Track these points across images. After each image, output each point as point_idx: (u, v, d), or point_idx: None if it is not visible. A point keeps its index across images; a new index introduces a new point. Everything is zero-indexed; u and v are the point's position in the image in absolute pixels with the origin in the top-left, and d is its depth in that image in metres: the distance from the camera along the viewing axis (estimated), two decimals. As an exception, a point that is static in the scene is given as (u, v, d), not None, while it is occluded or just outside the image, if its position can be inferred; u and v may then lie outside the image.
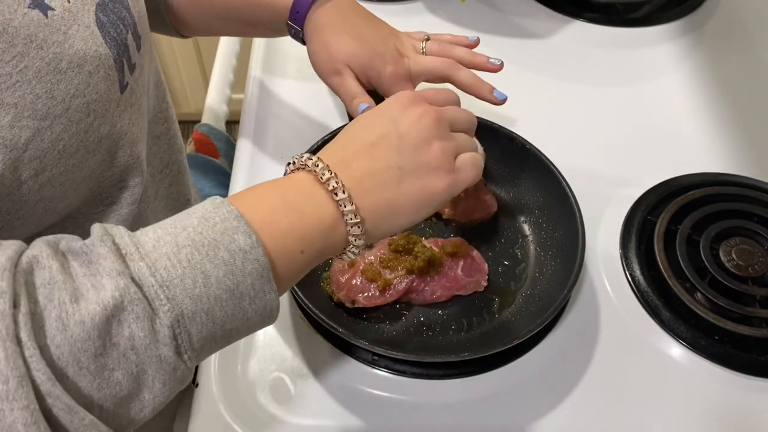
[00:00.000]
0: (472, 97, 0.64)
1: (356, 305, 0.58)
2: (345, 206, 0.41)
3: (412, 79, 0.62)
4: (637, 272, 0.63)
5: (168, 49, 1.75)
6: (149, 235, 0.35)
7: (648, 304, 0.61)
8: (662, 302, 0.61)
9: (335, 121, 0.74)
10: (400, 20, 0.72)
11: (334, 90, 0.62)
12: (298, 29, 0.61)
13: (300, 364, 0.56)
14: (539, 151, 0.64)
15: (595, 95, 0.80)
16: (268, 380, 0.55)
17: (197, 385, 0.55)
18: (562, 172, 0.62)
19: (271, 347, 0.57)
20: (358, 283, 0.58)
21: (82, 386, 0.31)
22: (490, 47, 0.72)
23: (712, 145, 0.75)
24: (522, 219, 0.65)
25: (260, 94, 0.78)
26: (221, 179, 0.88)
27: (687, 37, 0.88)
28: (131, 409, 0.34)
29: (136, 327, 0.32)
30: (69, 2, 0.42)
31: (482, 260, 0.61)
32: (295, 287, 0.53)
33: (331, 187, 0.41)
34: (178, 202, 0.67)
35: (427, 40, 0.65)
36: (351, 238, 0.42)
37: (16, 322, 0.29)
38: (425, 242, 0.61)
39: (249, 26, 0.66)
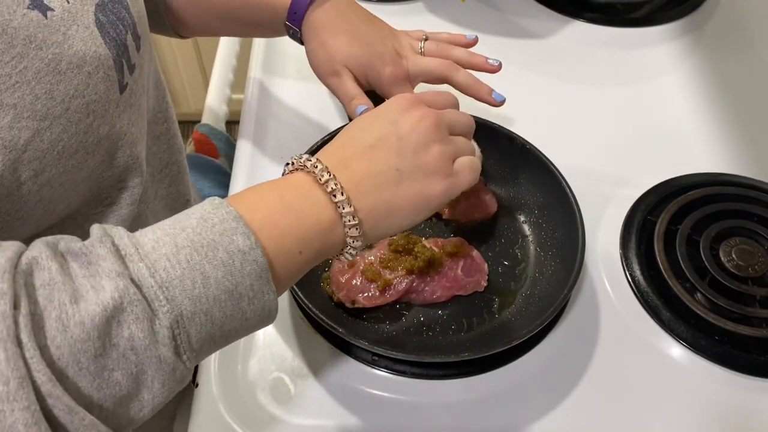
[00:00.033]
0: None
1: (356, 305, 0.58)
2: (343, 208, 0.41)
3: (411, 79, 0.62)
4: (637, 272, 0.63)
5: (168, 49, 1.75)
6: (148, 236, 0.35)
7: (648, 304, 0.61)
8: (662, 302, 0.61)
9: (335, 121, 0.74)
10: (400, 20, 0.72)
11: (333, 91, 0.62)
12: (296, 30, 0.61)
13: (300, 364, 0.56)
14: (539, 151, 0.64)
15: (595, 95, 0.80)
16: (268, 380, 0.55)
17: (197, 385, 0.55)
18: (562, 172, 0.62)
19: (271, 347, 0.57)
20: (358, 283, 0.58)
21: (82, 386, 0.31)
22: (489, 47, 0.72)
23: (712, 145, 0.75)
24: (522, 219, 0.65)
25: (260, 95, 0.78)
26: (221, 179, 0.88)
27: (687, 37, 0.88)
28: (130, 409, 0.34)
29: (135, 328, 0.32)
30: (68, 2, 0.42)
31: (482, 260, 0.61)
32: (295, 287, 0.53)
33: (329, 189, 0.41)
34: (178, 203, 0.67)
35: (426, 39, 0.65)
36: (349, 240, 0.42)
37: (16, 323, 0.29)
38: (425, 242, 0.61)
39: (247, 26, 0.66)
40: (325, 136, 0.63)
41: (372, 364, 0.56)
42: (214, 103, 0.99)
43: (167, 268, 0.34)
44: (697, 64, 0.84)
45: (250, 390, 0.54)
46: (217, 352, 0.54)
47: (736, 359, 0.57)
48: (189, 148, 0.94)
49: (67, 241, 0.34)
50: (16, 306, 0.30)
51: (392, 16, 0.71)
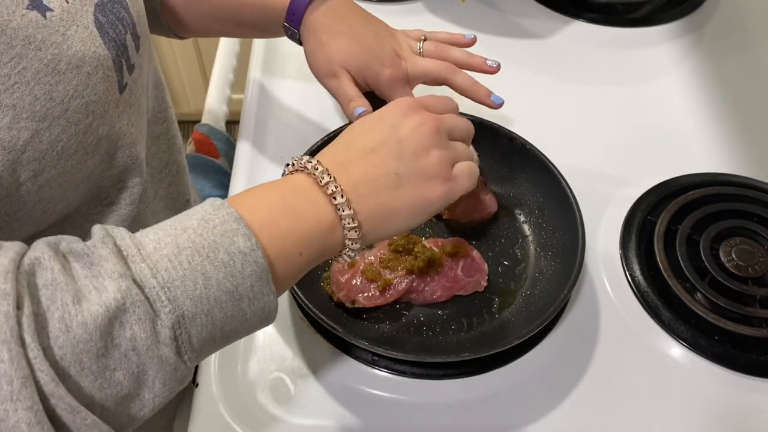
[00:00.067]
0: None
1: (356, 305, 0.58)
2: (343, 210, 0.41)
3: (410, 81, 0.62)
4: (637, 272, 0.63)
5: (168, 49, 1.75)
6: (150, 236, 0.35)
7: (648, 304, 0.61)
8: (662, 302, 0.61)
9: (335, 121, 0.74)
10: (400, 20, 0.72)
11: (331, 92, 0.62)
12: (294, 31, 0.61)
13: (300, 364, 0.56)
14: (539, 151, 0.64)
15: (595, 95, 0.80)
16: (268, 380, 0.55)
17: (197, 385, 0.55)
18: (562, 172, 0.62)
19: (271, 347, 0.57)
20: (358, 283, 0.58)
21: (84, 386, 0.31)
22: (489, 47, 0.72)
23: (712, 145, 0.75)
24: (522, 219, 0.65)
25: (260, 95, 0.78)
26: (221, 179, 0.88)
27: (687, 37, 0.88)
28: (131, 409, 0.34)
29: (137, 328, 0.32)
30: (67, 3, 0.42)
31: (482, 260, 0.61)
32: (295, 287, 0.53)
33: (330, 191, 0.41)
34: (178, 203, 0.67)
35: (424, 40, 0.65)
36: (348, 242, 0.42)
37: (19, 323, 0.29)
38: (425, 242, 0.61)
39: (246, 27, 0.65)
40: (325, 137, 0.63)
41: (372, 364, 0.56)
42: (214, 103, 0.99)
43: (169, 268, 0.34)
44: (697, 64, 0.84)
45: (250, 390, 0.54)
46: (217, 352, 0.54)
47: (736, 359, 0.57)
48: (189, 148, 0.94)
49: (69, 242, 0.34)
50: (19, 306, 0.30)
51: (392, 16, 0.71)
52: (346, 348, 0.57)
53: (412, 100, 0.48)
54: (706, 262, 0.61)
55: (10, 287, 0.30)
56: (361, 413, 0.54)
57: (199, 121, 0.97)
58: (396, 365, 0.56)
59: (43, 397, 0.29)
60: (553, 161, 0.63)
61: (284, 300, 0.60)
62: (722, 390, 0.56)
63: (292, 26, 0.61)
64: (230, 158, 0.86)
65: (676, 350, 0.58)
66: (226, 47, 1.05)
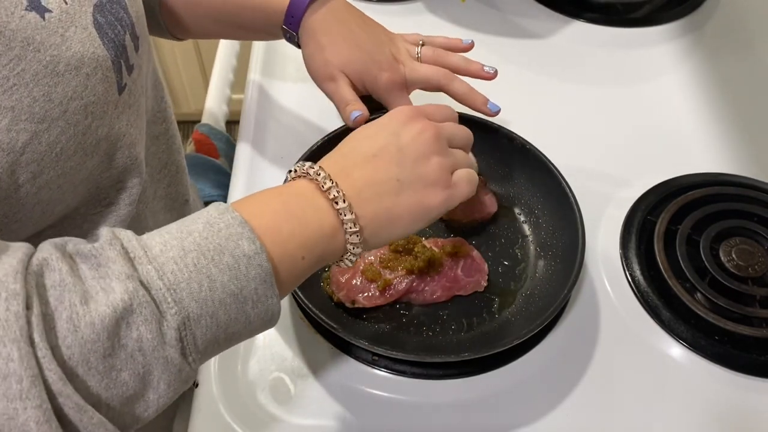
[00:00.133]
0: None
1: (356, 305, 0.58)
2: (345, 215, 0.42)
3: (408, 86, 0.63)
4: (637, 272, 0.63)
5: (168, 49, 1.75)
6: (156, 239, 0.36)
7: (648, 304, 0.61)
8: (662, 302, 0.61)
9: (334, 122, 0.74)
10: (400, 20, 0.72)
11: (328, 96, 0.62)
12: (293, 34, 0.61)
13: (300, 364, 0.56)
14: (539, 151, 0.64)
15: (595, 95, 0.80)
16: (268, 380, 0.55)
17: (197, 385, 0.55)
18: (562, 172, 0.62)
19: (271, 347, 0.57)
20: (358, 283, 0.58)
21: (91, 386, 0.32)
22: (490, 48, 0.72)
23: (712, 145, 0.75)
24: (522, 219, 0.66)
25: (260, 96, 0.78)
26: (221, 179, 0.88)
27: (687, 37, 0.88)
28: (136, 409, 0.34)
29: (144, 329, 0.33)
30: (66, 3, 0.42)
31: (482, 260, 0.61)
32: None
33: (332, 196, 0.42)
34: (177, 203, 0.67)
35: (422, 45, 0.65)
36: (350, 246, 0.43)
37: (29, 323, 0.30)
38: (425, 242, 0.61)
39: (244, 30, 0.65)
40: (324, 137, 0.63)
41: (372, 364, 0.56)
42: (214, 103, 0.99)
43: (175, 271, 0.34)
44: (697, 64, 0.84)
45: (250, 390, 0.54)
46: (217, 352, 0.54)
47: (736, 359, 0.57)
48: (189, 148, 0.94)
49: (75, 243, 0.35)
50: (28, 306, 0.30)
51: (392, 16, 0.71)
52: (346, 348, 0.57)
53: (413, 109, 0.49)
54: (706, 262, 0.61)
55: (20, 287, 0.30)
56: (361, 413, 0.54)
57: (199, 121, 0.97)
58: (396, 365, 0.56)
59: (51, 396, 0.30)
60: (553, 161, 0.63)
61: (284, 300, 0.60)
62: (722, 390, 0.56)
63: (291, 29, 0.61)
64: (230, 158, 0.86)
65: (676, 350, 0.58)
66: (226, 47, 1.05)
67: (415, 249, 0.59)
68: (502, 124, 0.66)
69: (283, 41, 0.65)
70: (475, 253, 0.61)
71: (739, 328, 0.58)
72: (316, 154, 0.61)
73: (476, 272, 0.60)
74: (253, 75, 0.80)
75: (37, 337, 0.30)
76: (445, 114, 0.52)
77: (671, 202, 0.67)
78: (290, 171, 0.45)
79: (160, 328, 0.33)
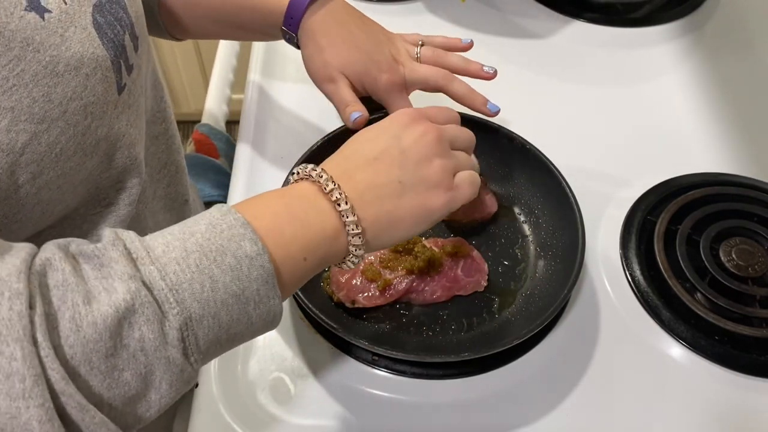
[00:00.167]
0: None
1: (356, 305, 0.58)
2: (347, 217, 0.42)
3: (407, 87, 0.63)
4: (637, 272, 0.63)
5: (168, 49, 1.75)
6: (158, 240, 0.36)
7: (648, 304, 0.61)
8: (662, 302, 0.61)
9: (334, 122, 0.74)
10: (400, 20, 0.72)
11: (328, 97, 0.62)
12: (292, 35, 0.61)
13: (300, 364, 0.56)
14: (539, 151, 0.64)
15: (595, 95, 0.80)
16: (268, 380, 0.55)
17: (197, 385, 0.55)
18: (562, 172, 0.62)
19: (271, 347, 0.57)
20: (358, 283, 0.58)
21: (93, 385, 0.32)
22: (490, 47, 0.72)
23: (712, 145, 0.75)
24: (522, 219, 0.66)
25: (260, 96, 0.78)
26: (221, 179, 0.88)
27: (687, 37, 0.88)
28: (138, 409, 0.34)
29: (146, 329, 0.33)
30: (65, 4, 0.42)
31: (482, 260, 0.61)
32: (295, 288, 0.53)
33: (334, 198, 0.42)
34: (177, 203, 0.67)
35: (422, 45, 0.65)
36: (351, 248, 0.43)
37: (32, 322, 0.30)
38: (425, 242, 0.61)
39: (244, 30, 0.65)
40: (324, 137, 0.63)
41: (372, 364, 0.56)
42: (214, 103, 0.99)
43: (177, 271, 0.34)
44: (697, 64, 0.84)
45: (250, 390, 0.54)
46: (217, 353, 0.54)
47: (736, 359, 0.57)
48: (189, 148, 0.94)
49: (79, 244, 0.35)
50: (31, 306, 0.30)
51: (392, 16, 0.71)
52: (346, 348, 0.57)
53: (415, 111, 0.49)
54: (706, 262, 0.61)
55: (23, 287, 0.30)
56: (361, 413, 0.54)
57: (199, 121, 0.97)
58: (396, 365, 0.56)
59: (54, 395, 0.30)
60: (553, 161, 0.63)
61: (285, 300, 0.60)
62: (722, 390, 0.56)
63: (290, 30, 0.61)
64: (230, 158, 0.86)
65: (676, 350, 0.58)
66: (226, 47, 1.05)
67: (415, 249, 0.59)
68: (502, 124, 0.66)
69: (283, 42, 0.64)
70: (475, 253, 0.61)
71: (739, 328, 0.58)
72: (315, 154, 0.61)
73: (476, 272, 0.60)
74: (253, 75, 0.80)
75: (40, 336, 0.30)
76: (448, 116, 0.52)
77: (671, 202, 0.67)
78: (292, 173, 0.45)
79: (162, 328, 0.33)
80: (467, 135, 0.52)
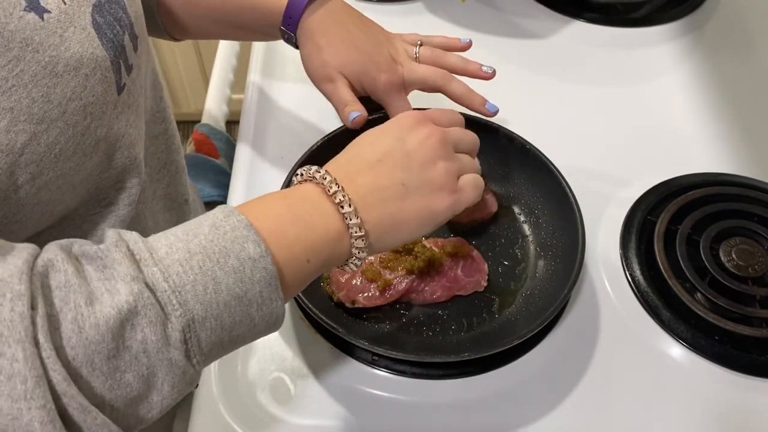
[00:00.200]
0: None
1: (356, 305, 0.58)
2: (350, 219, 0.42)
3: (406, 87, 0.62)
4: (637, 272, 0.63)
5: (168, 49, 1.75)
6: (162, 241, 0.36)
7: (648, 304, 0.61)
8: (662, 302, 0.61)
9: (334, 123, 0.74)
10: (400, 20, 0.72)
11: (327, 96, 0.62)
12: (291, 35, 0.61)
13: (300, 364, 0.56)
14: (539, 151, 0.64)
15: (595, 95, 0.80)
16: (268, 380, 0.55)
17: (197, 386, 0.55)
18: (562, 172, 0.62)
19: (271, 347, 0.57)
20: (358, 283, 0.58)
21: (95, 387, 0.32)
22: (489, 48, 0.72)
23: (712, 145, 0.75)
24: (522, 219, 0.65)
25: (260, 97, 0.78)
26: (221, 179, 0.88)
27: (687, 37, 0.88)
28: (140, 410, 0.34)
29: (149, 331, 0.33)
30: (65, 4, 0.42)
31: (482, 260, 0.61)
32: (294, 287, 0.53)
33: (337, 200, 0.42)
34: (176, 203, 0.67)
35: (420, 45, 0.65)
36: (354, 251, 0.43)
37: (34, 323, 0.30)
38: (425, 242, 0.61)
39: (242, 30, 0.65)
40: (324, 138, 0.63)
41: (372, 364, 0.56)
42: (214, 103, 0.99)
43: (180, 273, 0.34)
44: (697, 64, 0.84)
45: (250, 390, 0.54)
46: (217, 353, 0.54)
47: (736, 359, 0.57)
48: (189, 148, 0.94)
49: (81, 244, 0.35)
50: (33, 307, 0.30)
51: (392, 16, 0.71)
52: (346, 348, 0.57)
53: (419, 113, 0.49)
54: (706, 262, 0.61)
55: (25, 288, 0.30)
56: (361, 413, 0.54)
57: (199, 121, 0.97)
58: (396, 365, 0.56)
59: (56, 397, 0.30)
60: (553, 161, 0.63)
61: (287, 302, 0.60)
62: (722, 390, 0.56)
63: (289, 30, 0.61)
64: (230, 158, 0.86)
65: (676, 350, 0.58)
66: (226, 47, 1.05)
67: (415, 249, 0.59)
68: (501, 124, 0.66)
69: (283, 42, 0.64)
70: (475, 253, 0.61)
71: (739, 328, 0.58)
72: (315, 154, 0.61)
73: (476, 272, 0.60)
74: (253, 76, 0.80)
75: (42, 337, 0.30)
76: (452, 118, 0.52)
77: (671, 202, 0.67)
78: (296, 174, 0.45)
79: (164, 330, 0.33)
80: (471, 138, 0.52)
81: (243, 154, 0.72)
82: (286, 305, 0.59)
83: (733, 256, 0.62)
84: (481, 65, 0.64)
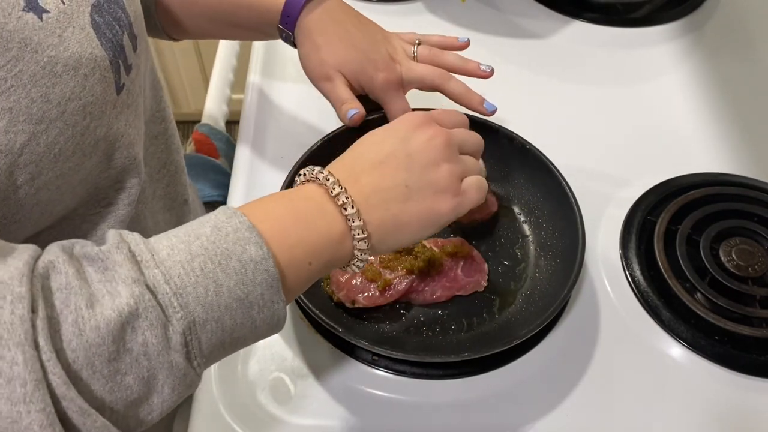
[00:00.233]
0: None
1: (356, 305, 0.58)
2: (353, 221, 0.42)
3: (404, 86, 0.62)
4: (637, 272, 0.63)
5: (168, 49, 1.75)
6: (163, 243, 0.36)
7: (648, 304, 0.61)
8: (662, 302, 0.61)
9: (334, 123, 0.73)
10: (400, 20, 0.72)
11: (325, 95, 0.62)
12: (289, 33, 0.61)
13: (300, 364, 0.56)
14: (539, 151, 0.64)
15: (595, 95, 0.80)
16: (268, 380, 0.55)
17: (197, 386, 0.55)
18: (562, 172, 0.62)
19: (271, 347, 0.57)
20: (358, 283, 0.58)
21: (95, 389, 0.32)
22: (489, 47, 0.72)
23: (712, 145, 0.75)
24: (522, 219, 0.65)
25: (259, 97, 0.78)
26: (221, 179, 0.88)
27: (687, 37, 0.88)
28: (140, 413, 0.34)
29: (149, 333, 0.33)
30: (64, 4, 0.42)
31: (482, 260, 0.61)
32: (294, 287, 0.53)
33: (341, 202, 0.42)
34: (176, 203, 0.67)
35: (418, 44, 0.65)
36: (357, 252, 0.43)
37: (34, 326, 0.30)
38: (425, 242, 0.61)
39: (241, 29, 0.65)
40: (324, 138, 0.63)
41: (372, 364, 0.56)
42: (214, 103, 0.99)
43: (181, 275, 0.34)
44: (697, 64, 0.84)
45: (250, 390, 0.54)
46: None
47: (736, 359, 0.57)
48: (189, 148, 0.94)
49: (83, 246, 0.35)
50: (33, 309, 0.30)
51: (392, 16, 0.71)
52: (347, 348, 0.57)
53: (423, 115, 0.49)
54: (706, 262, 0.61)
55: (25, 290, 0.30)
56: (362, 413, 0.54)
57: (199, 121, 0.97)
58: (396, 365, 0.56)
59: (55, 400, 0.30)
60: (553, 161, 0.63)
61: (288, 304, 0.60)
62: (722, 390, 0.56)
63: (287, 29, 0.61)
64: (230, 158, 0.86)
65: (676, 350, 0.58)
66: (226, 47, 1.05)
67: (415, 249, 0.59)
68: (501, 124, 0.66)
69: (283, 42, 0.64)
70: (475, 253, 0.61)
71: (739, 328, 0.58)
72: (315, 154, 0.61)
73: (476, 272, 0.60)
74: (253, 76, 0.80)
75: (42, 340, 0.30)
76: (456, 120, 0.52)
77: (671, 202, 0.67)
78: (299, 174, 0.44)
79: (165, 332, 0.33)
80: (476, 139, 0.52)
81: (243, 154, 0.72)
82: (287, 305, 0.59)
83: (733, 256, 0.62)
84: (480, 64, 0.64)
